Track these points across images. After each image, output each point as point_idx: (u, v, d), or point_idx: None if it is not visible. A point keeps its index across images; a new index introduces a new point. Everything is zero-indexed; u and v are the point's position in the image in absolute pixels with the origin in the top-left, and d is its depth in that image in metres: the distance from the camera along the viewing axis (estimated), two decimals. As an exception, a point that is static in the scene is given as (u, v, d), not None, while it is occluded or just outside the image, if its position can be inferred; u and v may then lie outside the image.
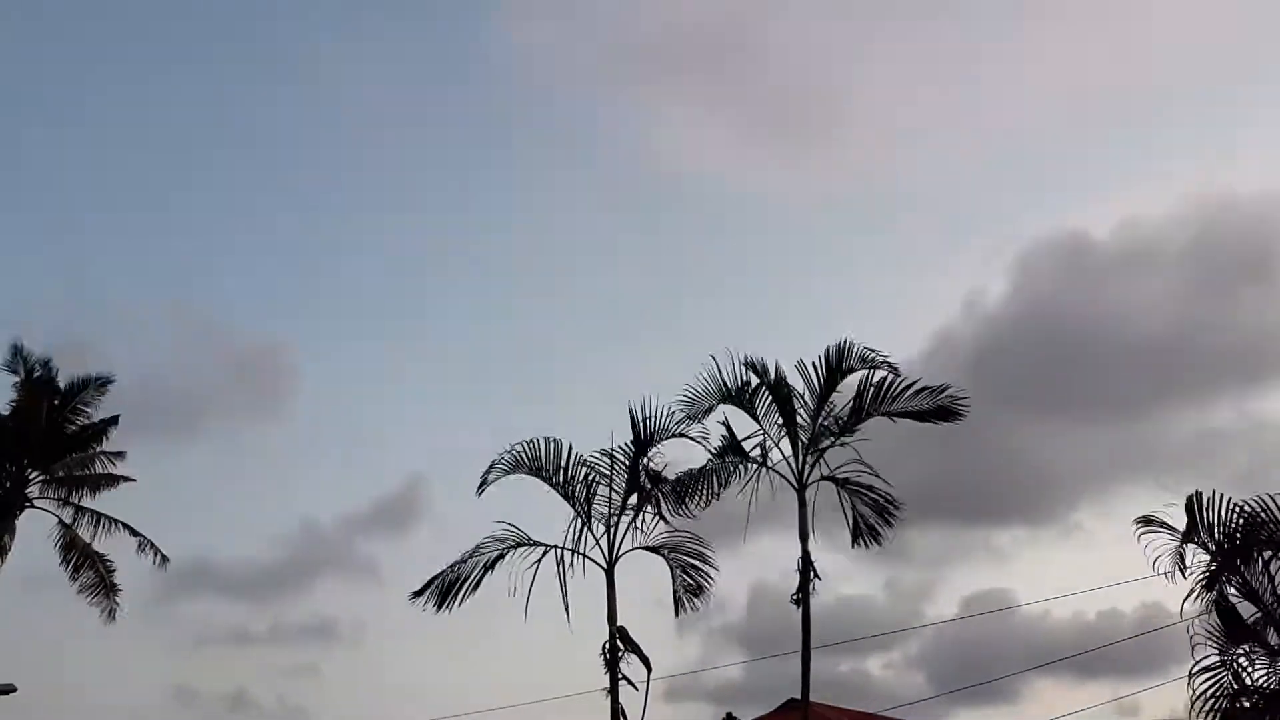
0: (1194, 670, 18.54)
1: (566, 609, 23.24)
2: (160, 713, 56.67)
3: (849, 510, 23.60)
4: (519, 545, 23.97)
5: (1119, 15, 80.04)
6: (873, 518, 23.65)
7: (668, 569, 24.27)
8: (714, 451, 24.24)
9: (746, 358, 24.11)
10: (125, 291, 78.88)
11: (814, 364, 23.99)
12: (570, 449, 24.46)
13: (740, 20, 76.89)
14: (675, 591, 24.13)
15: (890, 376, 23.65)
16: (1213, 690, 18.43)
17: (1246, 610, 19.22)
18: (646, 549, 24.33)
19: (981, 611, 39.03)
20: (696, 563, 24.18)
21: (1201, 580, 19.42)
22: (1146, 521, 19.21)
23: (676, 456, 25.03)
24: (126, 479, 32.82)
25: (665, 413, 24.30)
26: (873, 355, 23.80)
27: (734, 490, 24.05)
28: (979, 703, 33.96)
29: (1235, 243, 59.41)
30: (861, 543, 23.79)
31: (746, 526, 23.73)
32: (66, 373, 32.41)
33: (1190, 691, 18.39)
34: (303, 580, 67.56)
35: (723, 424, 24.36)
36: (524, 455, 24.36)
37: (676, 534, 24.31)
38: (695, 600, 24.19)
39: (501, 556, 23.90)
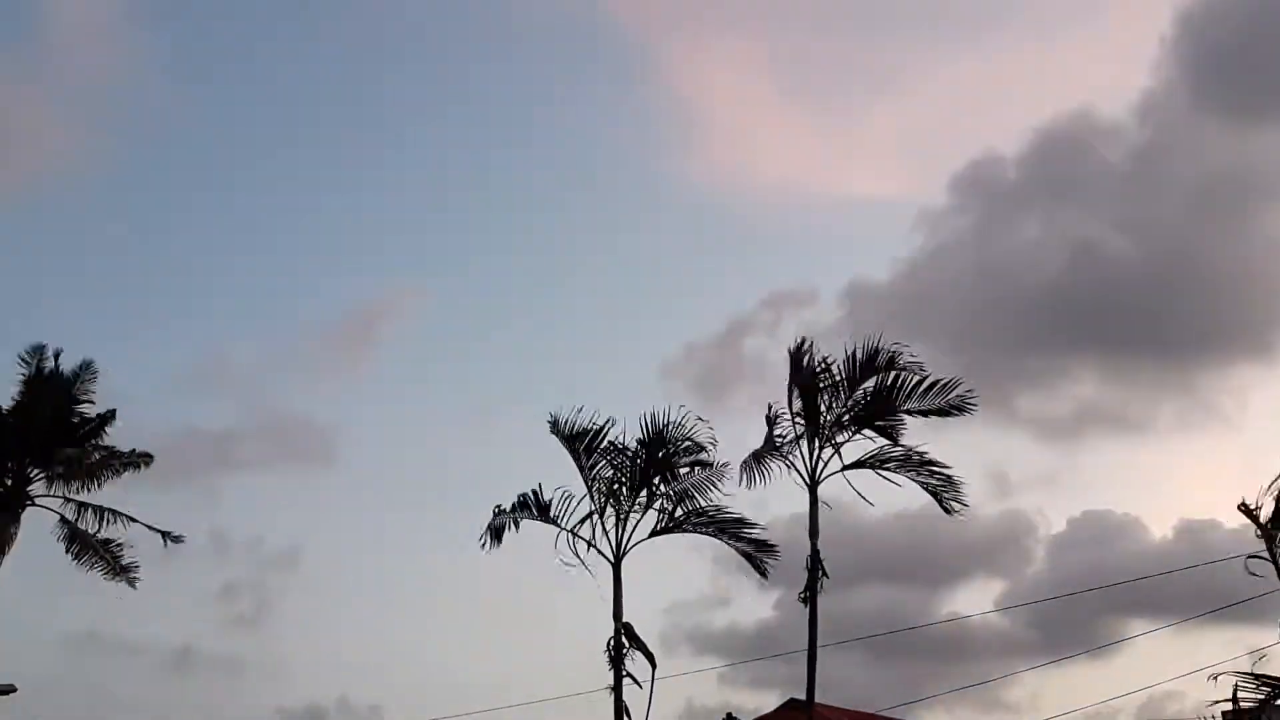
0: None
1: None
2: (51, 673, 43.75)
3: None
4: (531, 518, 23.94)
5: None
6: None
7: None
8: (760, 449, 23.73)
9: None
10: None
11: (845, 359, 23.71)
12: (594, 432, 24.05)
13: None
14: (749, 555, 23.72)
15: (904, 375, 23.38)
16: None
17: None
18: (696, 531, 24.15)
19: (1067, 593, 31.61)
20: (743, 529, 23.85)
21: None
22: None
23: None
24: (134, 465, 32.26)
25: (677, 412, 24.13)
26: (903, 354, 23.46)
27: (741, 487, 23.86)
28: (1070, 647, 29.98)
29: None
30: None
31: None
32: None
33: None
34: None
35: (769, 420, 23.92)
36: (565, 424, 24.09)
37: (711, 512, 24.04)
38: (767, 559, 23.76)
39: (515, 523, 23.96)
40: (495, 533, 23.97)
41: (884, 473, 23.29)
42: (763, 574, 23.89)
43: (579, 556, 23.43)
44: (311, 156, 73.78)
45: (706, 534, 24.23)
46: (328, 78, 76.80)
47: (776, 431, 23.73)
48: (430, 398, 63.41)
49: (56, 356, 32.00)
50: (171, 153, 70.35)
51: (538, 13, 74.60)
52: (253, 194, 70.71)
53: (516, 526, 23.95)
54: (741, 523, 23.92)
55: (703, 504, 23.99)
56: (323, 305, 75.21)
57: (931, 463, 23.24)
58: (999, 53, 71.75)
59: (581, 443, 24.01)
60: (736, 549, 23.92)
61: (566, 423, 24.12)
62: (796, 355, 23.80)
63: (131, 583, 30.92)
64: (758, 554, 23.73)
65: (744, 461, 23.74)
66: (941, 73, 70.02)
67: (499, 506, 24.13)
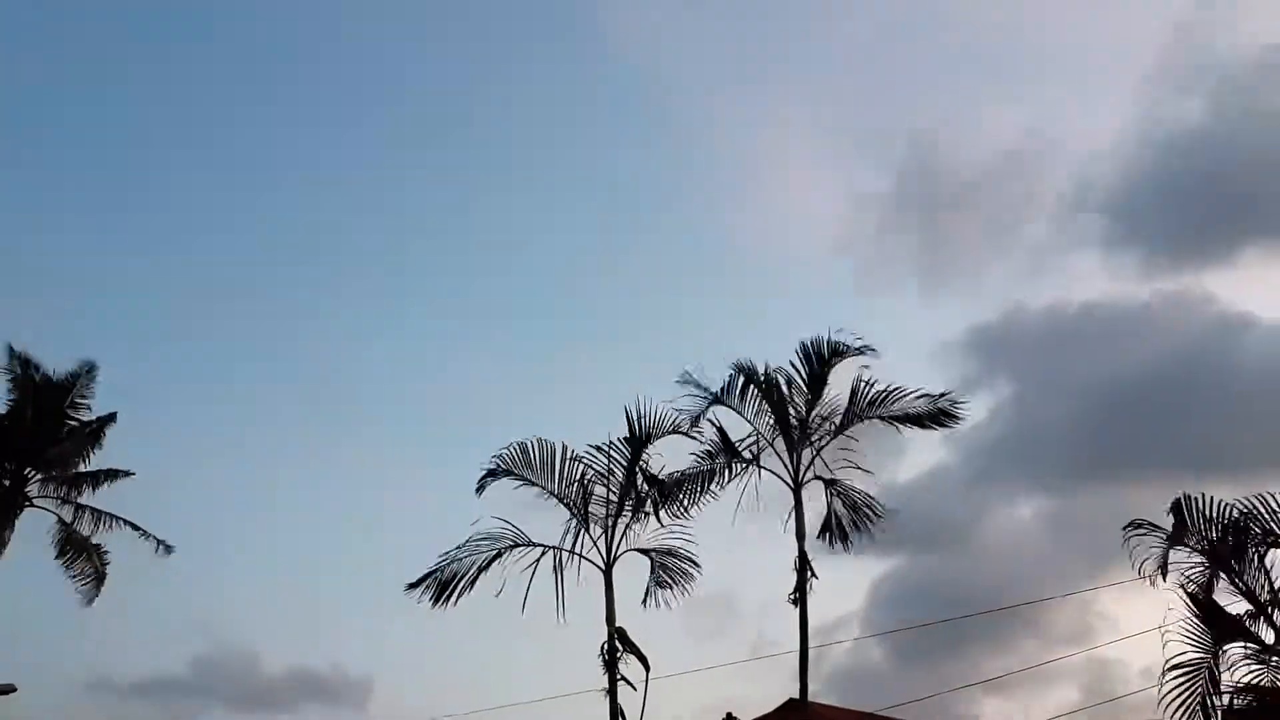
0: (1167, 668, 18.52)
1: (561, 608, 23.10)
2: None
3: (827, 506, 24.00)
4: (516, 545, 23.92)
5: None
6: (846, 518, 23.93)
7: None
8: (704, 454, 24.34)
9: (738, 360, 24.36)
10: None
11: (797, 362, 24.17)
12: (563, 449, 24.28)
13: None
14: (648, 588, 24.08)
15: (885, 383, 23.80)
16: (1187, 688, 18.46)
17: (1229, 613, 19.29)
18: (639, 551, 24.33)
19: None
20: (683, 565, 24.16)
21: (1191, 579, 19.47)
22: (1135, 526, 19.29)
23: (674, 456, 25.07)
24: (126, 473, 32.84)
25: (660, 412, 24.39)
26: (847, 346, 24.02)
27: (729, 490, 24.25)
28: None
29: None
30: (827, 540, 24.05)
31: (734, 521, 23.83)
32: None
33: (1159, 689, 18.38)
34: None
35: (714, 423, 24.40)
36: (514, 459, 24.10)
37: (670, 537, 24.32)
38: (668, 596, 24.10)
39: (499, 556, 23.84)
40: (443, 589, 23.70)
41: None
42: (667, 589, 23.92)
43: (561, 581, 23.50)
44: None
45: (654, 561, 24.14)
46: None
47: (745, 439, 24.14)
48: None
49: (38, 366, 32.12)
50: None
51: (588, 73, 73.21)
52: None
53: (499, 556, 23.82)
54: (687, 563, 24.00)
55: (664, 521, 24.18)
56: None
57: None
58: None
59: (548, 478, 24.15)
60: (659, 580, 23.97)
61: (518, 455, 24.07)
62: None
63: (91, 600, 30.68)
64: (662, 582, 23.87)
65: (693, 466, 24.22)
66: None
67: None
